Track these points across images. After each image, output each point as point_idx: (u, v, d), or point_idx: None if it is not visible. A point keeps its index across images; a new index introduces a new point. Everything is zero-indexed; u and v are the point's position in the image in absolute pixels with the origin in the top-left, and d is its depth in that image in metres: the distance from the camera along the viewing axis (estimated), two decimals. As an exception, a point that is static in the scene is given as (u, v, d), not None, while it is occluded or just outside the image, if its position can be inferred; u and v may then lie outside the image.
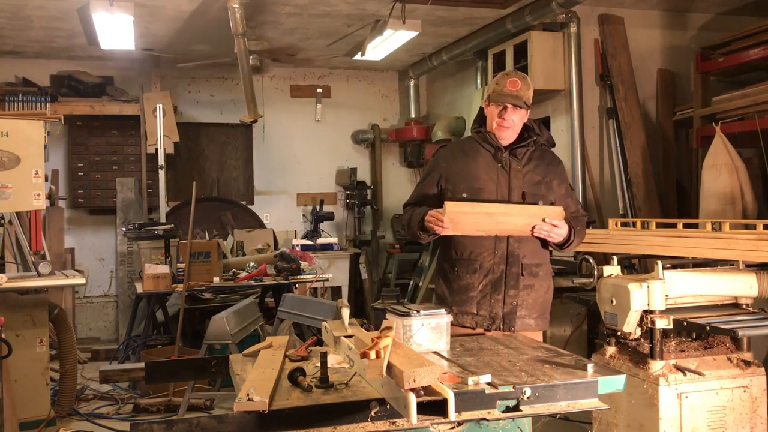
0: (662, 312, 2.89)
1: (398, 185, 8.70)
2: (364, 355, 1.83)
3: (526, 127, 3.00)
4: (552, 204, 2.91)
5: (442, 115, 8.00)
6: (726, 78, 5.74)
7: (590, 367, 2.06)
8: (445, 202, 2.66)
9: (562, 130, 6.10)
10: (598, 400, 2.00)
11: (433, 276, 3.20)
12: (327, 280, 6.16)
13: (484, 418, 1.90)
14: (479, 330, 2.89)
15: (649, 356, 2.94)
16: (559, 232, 2.82)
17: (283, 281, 5.69)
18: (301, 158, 8.51)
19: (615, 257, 3.21)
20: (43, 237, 4.67)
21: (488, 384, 1.93)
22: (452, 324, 2.43)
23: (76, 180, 7.61)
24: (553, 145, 3.13)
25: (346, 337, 2.26)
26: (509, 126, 2.91)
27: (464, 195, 2.89)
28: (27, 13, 5.87)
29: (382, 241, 8.42)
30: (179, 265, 5.51)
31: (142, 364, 2.49)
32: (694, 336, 3.01)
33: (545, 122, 6.35)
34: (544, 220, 2.78)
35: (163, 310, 6.14)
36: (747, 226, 3.56)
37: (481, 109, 3.06)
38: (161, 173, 7.22)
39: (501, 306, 2.88)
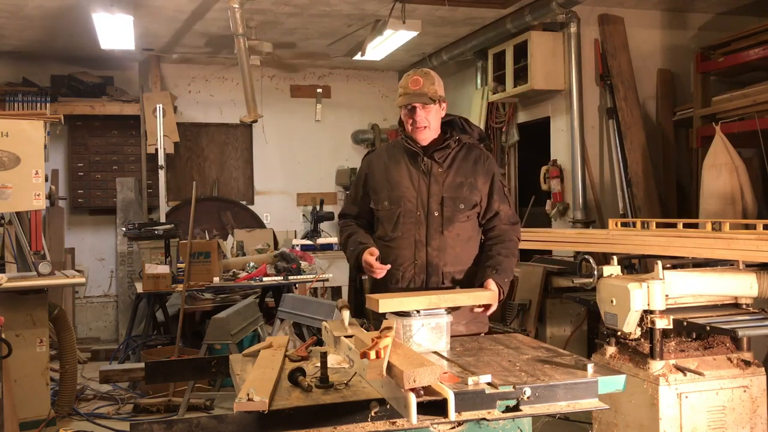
0: (662, 312, 2.89)
1: (398, 185, 8.68)
2: (364, 355, 1.83)
3: (451, 125, 2.90)
4: (475, 206, 2.82)
5: (442, 115, 7.98)
6: (726, 78, 5.74)
7: (590, 367, 2.06)
8: (379, 301, 2.33)
9: (562, 130, 6.10)
10: (598, 400, 2.00)
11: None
12: (327, 280, 6.16)
13: (484, 418, 1.90)
14: None
15: (649, 356, 2.94)
16: (493, 308, 2.68)
17: (283, 281, 5.69)
18: (301, 158, 8.51)
19: (615, 257, 3.21)
20: (43, 237, 4.68)
21: (488, 384, 1.93)
22: None
23: (76, 180, 7.61)
24: (484, 140, 3.02)
25: (346, 337, 2.25)
26: (423, 125, 2.79)
27: (385, 203, 2.83)
28: (27, 13, 5.87)
29: (382, 241, 8.41)
30: (179, 265, 5.52)
31: (142, 364, 2.49)
32: (694, 336, 3.01)
33: (545, 122, 6.36)
34: (472, 309, 2.65)
35: (163, 310, 6.14)
36: (747, 226, 3.57)
37: None
38: (161, 173, 7.22)
39: None
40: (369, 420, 1.85)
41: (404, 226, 2.81)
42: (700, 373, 2.88)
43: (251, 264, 5.91)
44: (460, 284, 2.81)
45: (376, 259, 2.72)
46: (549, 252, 5.75)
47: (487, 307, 2.64)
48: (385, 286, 2.83)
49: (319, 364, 2.07)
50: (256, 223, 7.95)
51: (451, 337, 2.52)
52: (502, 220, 2.88)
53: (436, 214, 2.79)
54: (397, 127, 8.43)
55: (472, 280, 2.81)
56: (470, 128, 2.93)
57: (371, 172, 2.93)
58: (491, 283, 2.65)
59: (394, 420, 1.86)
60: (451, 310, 2.49)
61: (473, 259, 2.86)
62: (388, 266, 2.73)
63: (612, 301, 2.97)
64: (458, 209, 2.80)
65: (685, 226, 3.64)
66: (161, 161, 7.19)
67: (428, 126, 2.80)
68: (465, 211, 2.81)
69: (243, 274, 5.73)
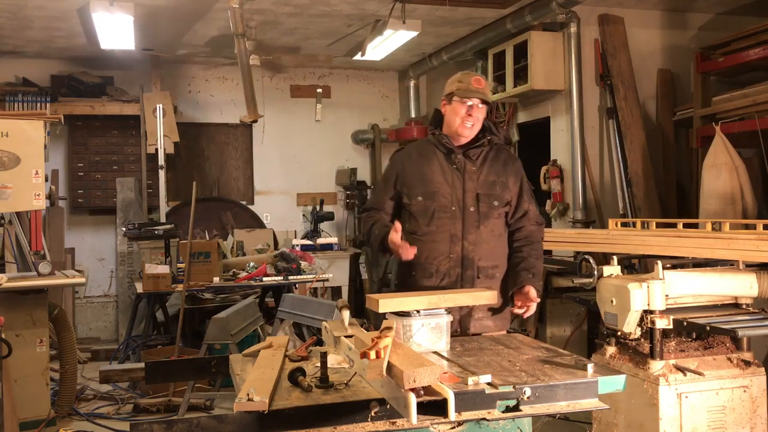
0: (662, 312, 2.89)
1: (398, 185, 8.69)
2: (364, 355, 1.83)
3: (482, 127, 3.00)
4: (507, 204, 2.94)
5: (442, 115, 7.98)
6: (726, 78, 5.74)
7: (590, 367, 2.06)
8: (379, 301, 2.33)
9: (562, 130, 6.10)
10: (598, 400, 2.00)
11: (393, 277, 3.17)
12: (327, 280, 6.16)
13: (484, 418, 1.90)
14: None
15: (649, 356, 2.94)
16: (532, 310, 2.83)
17: (283, 281, 5.69)
18: (301, 158, 8.51)
19: (615, 257, 3.21)
20: (43, 237, 4.67)
21: (488, 384, 1.93)
22: None
23: (76, 180, 7.61)
24: (509, 144, 3.13)
25: (346, 337, 2.26)
26: (475, 122, 2.92)
27: (419, 198, 2.90)
28: (27, 13, 5.87)
29: (382, 241, 8.41)
30: (179, 265, 5.52)
31: (142, 364, 2.49)
32: (694, 336, 3.01)
33: (545, 122, 6.36)
34: (513, 310, 2.83)
35: (163, 310, 6.14)
36: (747, 226, 3.57)
37: (437, 112, 3.06)
38: (161, 173, 7.22)
39: (458, 309, 2.79)
40: (369, 420, 1.86)
41: (439, 220, 2.88)
42: (700, 373, 2.88)
43: (251, 264, 5.91)
44: (491, 279, 2.90)
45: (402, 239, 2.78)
46: (549, 252, 5.75)
47: (528, 307, 2.79)
48: (417, 280, 2.90)
49: (319, 364, 2.07)
50: (256, 223, 7.95)
51: (480, 333, 2.72)
52: (531, 220, 3.01)
53: (472, 209, 2.89)
54: (398, 127, 8.47)
55: (502, 275, 2.94)
56: (498, 131, 3.04)
57: (403, 169, 3.01)
58: (531, 289, 2.79)
59: (394, 420, 1.86)
60: (492, 310, 2.77)
61: (503, 256, 2.96)
62: (415, 248, 2.77)
63: (612, 301, 2.97)
64: (492, 206, 2.91)
65: (685, 226, 3.64)
66: (161, 161, 7.19)
67: (476, 123, 2.93)
68: (498, 208, 2.93)
69: (243, 274, 5.73)
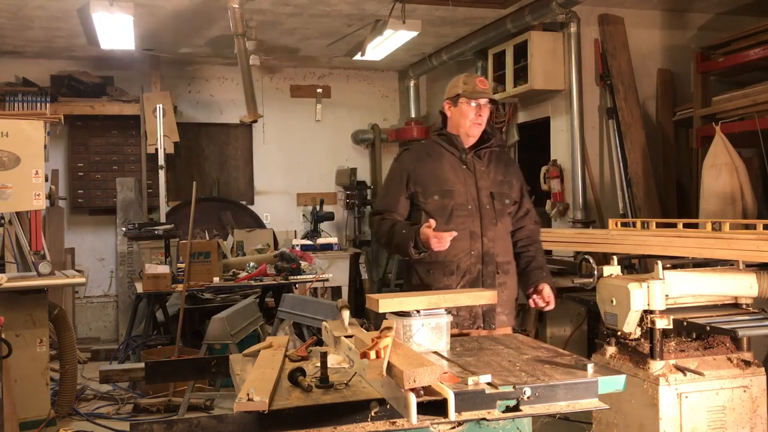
0: (662, 312, 2.89)
1: (398, 185, 8.68)
2: (364, 355, 1.83)
3: (484, 129, 3.09)
4: (515, 203, 3.05)
5: (442, 115, 7.98)
6: (726, 78, 5.74)
7: (590, 367, 2.06)
8: (379, 301, 2.31)
9: (562, 130, 6.10)
10: (598, 400, 2.00)
11: (400, 275, 3.20)
12: (327, 280, 6.15)
13: (484, 418, 1.90)
14: (456, 331, 2.79)
15: (649, 356, 2.94)
16: (552, 305, 3.02)
17: (283, 281, 5.68)
18: (301, 158, 8.51)
19: (615, 257, 3.21)
20: (43, 237, 4.67)
21: (488, 384, 1.93)
22: None
23: (76, 180, 7.61)
24: (504, 146, 3.21)
25: (346, 337, 2.25)
26: (483, 122, 3.00)
27: (436, 197, 2.93)
28: (27, 13, 5.87)
29: (382, 241, 8.41)
30: (179, 265, 5.51)
31: (142, 364, 2.49)
32: (694, 336, 3.01)
33: (545, 122, 6.36)
34: (535, 305, 3.00)
35: (163, 310, 6.14)
36: (747, 226, 3.57)
37: (442, 114, 3.12)
38: (161, 173, 7.22)
39: (480, 305, 2.85)
40: (369, 420, 1.85)
41: (458, 218, 2.92)
42: (700, 373, 2.88)
43: (251, 264, 5.90)
44: (507, 274, 3.01)
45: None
46: (549, 252, 5.75)
47: (549, 302, 2.98)
48: (435, 278, 2.92)
49: (319, 364, 2.07)
50: (256, 223, 7.95)
51: (496, 327, 2.86)
52: (531, 219, 3.14)
53: (488, 207, 2.96)
54: (398, 127, 8.47)
55: (515, 270, 3.06)
56: (495, 134, 3.14)
57: (414, 169, 3.03)
58: (546, 286, 2.97)
59: (394, 420, 1.86)
60: (506, 307, 2.96)
61: (512, 252, 3.08)
62: (455, 233, 2.77)
63: (612, 301, 2.97)
64: (504, 204, 3.01)
65: (685, 226, 3.64)
66: (161, 161, 7.19)
67: (484, 124, 3.02)
68: (509, 206, 3.04)
69: (243, 274, 5.73)
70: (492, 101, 3.03)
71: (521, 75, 6.10)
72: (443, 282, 2.90)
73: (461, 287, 2.89)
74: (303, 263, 5.90)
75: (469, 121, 2.97)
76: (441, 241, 2.71)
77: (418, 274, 2.96)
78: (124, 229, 6.49)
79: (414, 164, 3.04)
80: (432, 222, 2.76)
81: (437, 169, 2.98)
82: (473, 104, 2.96)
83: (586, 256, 3.41)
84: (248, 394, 1.78)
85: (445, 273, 2.90)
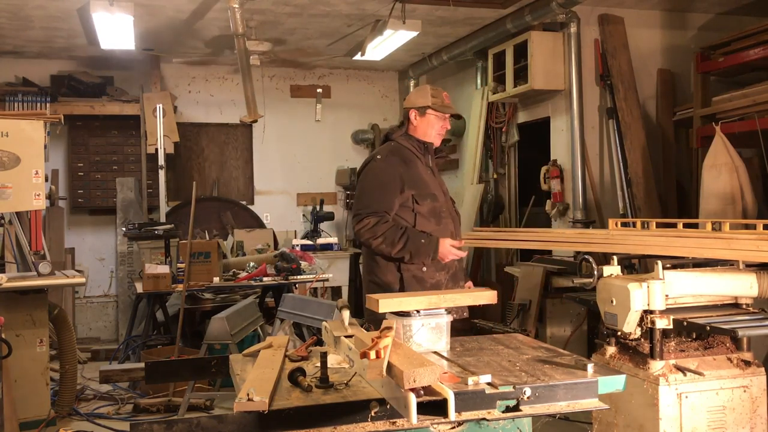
0: (662, 312, 2.89)
1: (398, 185, 8.69)
2: (364, 355, 1.83)
3: None
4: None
5: (442, 115, 7.98)
6: (726, 78, 5.73)
7: (590, 367, 2.06)
8: (379, 302, 2.31)
9: (562, 130, 6.10)
10: (598, 400, 2.00)
11: (377, 270, 3.22)
12: (327, 280, 6.16)
13: (484, 418, 1.90)
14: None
15: (649, 356, 2.93)
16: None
17: (283, 281, 5.69)
18: (301, 158, 8.51)
19: (615, 257, 3.21)
20: (43, 237, 4.67)
21: (488, 384, 1.93)
22: None
23: (76, 180, 7.61)
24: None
25: (346, 337, 2.25)
26: (443, 134, 3.29)
27: (428, 200, 3.15)
28: (27, 13, 5.87)
29: (382, 241, 8.40)
30: (179, 265, 5.51)
31: (142, 364, 2.49)
32: (694, 336, 3.00)
33: (545, 122, 6.36)
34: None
35: (163, 310, 6.14)
36: (747, 226, 3.56)
37: (404, 120, 3.30)
38: (161, 173, 7.22)
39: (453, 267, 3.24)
40: (369, 420, 1.85)
41: (444, 220, 3.20)
42: (700, 373, 2.88)
43: (251, 264, 5.91)
44: (461, 263, 3.40)
45: None
46: (549, 252, 5.75)
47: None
48: (428, 274, 3.15)
49: (319, 364, 2.07)
50: (256, 223, 7.95)
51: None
52: None
53: (453, 209, 3.30)
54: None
55: None
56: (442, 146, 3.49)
57: (405, 172, 3.16)
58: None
59: (394, 420, 1.86)
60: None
61: None
62: (463, 241, 3.21)
63: (612, 301, 2.97)
64: (455, 207, 3.37)
65: (685, 226, 3.64)
66: (161, 161, 7.19)
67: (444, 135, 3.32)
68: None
69: (243, 274, 5.73)
70: (455, 116, 3.29)
71: (521, 75, 6.10)
72: (435, 277, 3.17)
73: (447, 281, 3.22)
74: (303, 263, 5.90)
75: (435, 131, 3.20)
76: (460, 253, 3.11)
77: (410, 270, 3.14)
78: (124, 229, 6.49)
79: (403, 168, 3.16)
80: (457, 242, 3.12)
81: (417, 173, 3.18)
82: (443, 117, 3.20)
83: (586, 256, 3.40)
84: (248, 394, 1.78)
85: (437, 269, 3.16)
